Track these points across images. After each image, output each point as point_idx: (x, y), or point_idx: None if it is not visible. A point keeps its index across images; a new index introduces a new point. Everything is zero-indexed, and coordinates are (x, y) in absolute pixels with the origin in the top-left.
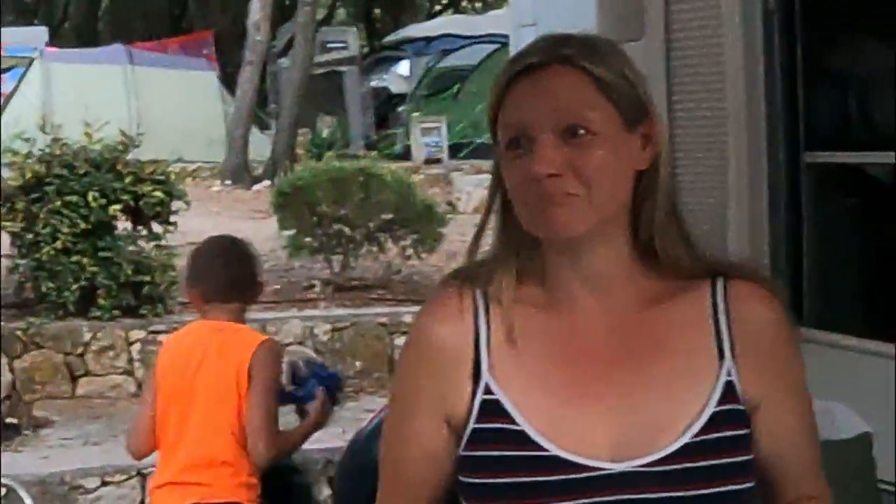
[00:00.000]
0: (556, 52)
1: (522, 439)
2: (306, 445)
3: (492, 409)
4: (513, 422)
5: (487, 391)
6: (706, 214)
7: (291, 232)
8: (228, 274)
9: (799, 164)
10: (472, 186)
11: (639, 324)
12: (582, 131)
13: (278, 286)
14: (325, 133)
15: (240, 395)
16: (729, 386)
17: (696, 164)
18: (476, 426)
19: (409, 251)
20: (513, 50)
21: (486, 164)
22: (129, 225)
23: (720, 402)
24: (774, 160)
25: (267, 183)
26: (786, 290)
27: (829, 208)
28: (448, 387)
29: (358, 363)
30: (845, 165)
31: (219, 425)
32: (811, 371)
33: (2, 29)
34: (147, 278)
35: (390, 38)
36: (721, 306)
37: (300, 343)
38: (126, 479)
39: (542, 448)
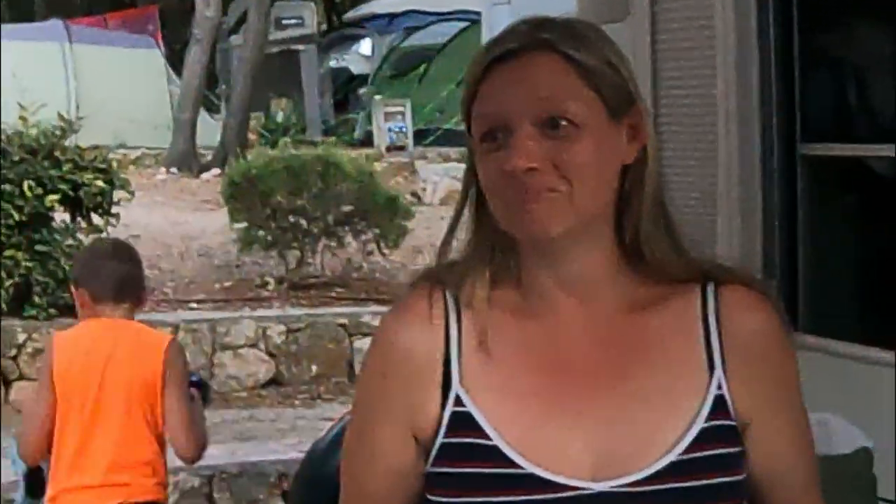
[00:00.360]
0: (536, 36)
1: (495, 455)
2: (259, 457)
3: (462, 422)
4: (485, 436)
5: (458, 403)
6: (693, 211)
7: (243, 225)
8: (120, 273)
9: (794, 156)
10: (438, 176)
11: (623, 332)
12: (564, 123)
13: (228, 284)
14: (279, 117)
15: (157, 395)
16: (719, 400)
17: (683, 157)
18: (445, 440)
19: (371, 246)
20: (485, 28)
21: (455, 151)
22: (67, 217)
23: (710, 418)
24: (767, 152)
25: (216, 171)
26: (780, 294)
27: (827, 205)
28: (416, 397)
29: (315, 367)
30: (844, 158)
31: (138, 426)
32: (806, 380)
33: None
34: None
35: (351, 14)
36: (712, 314)
37: (253, 345)
38: None
39: (516, 465)
